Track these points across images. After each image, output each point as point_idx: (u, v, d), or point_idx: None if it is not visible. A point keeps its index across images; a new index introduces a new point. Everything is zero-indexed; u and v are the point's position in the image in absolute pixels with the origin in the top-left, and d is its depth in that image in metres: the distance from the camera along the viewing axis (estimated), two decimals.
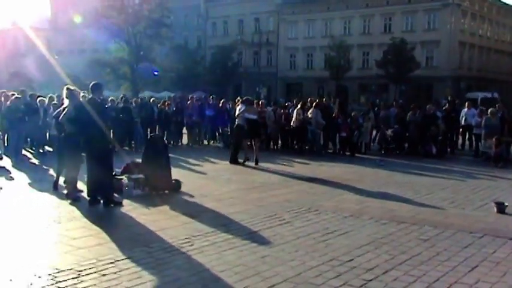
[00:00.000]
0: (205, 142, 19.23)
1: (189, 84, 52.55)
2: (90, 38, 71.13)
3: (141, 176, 9.25)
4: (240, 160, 13.48)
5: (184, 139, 19.13)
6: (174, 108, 18.52)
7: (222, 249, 6.05)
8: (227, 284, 4.97)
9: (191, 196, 9.19)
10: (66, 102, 8.63)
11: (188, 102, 18.69)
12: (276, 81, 60.96)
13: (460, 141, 18.16)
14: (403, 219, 7.60)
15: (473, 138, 17.34)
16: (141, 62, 41.15)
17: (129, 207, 8.21)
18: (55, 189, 9.36)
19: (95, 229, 6.85)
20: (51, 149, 15.51)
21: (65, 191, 9.07)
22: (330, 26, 57.86)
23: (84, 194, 8.70)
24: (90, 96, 8.43)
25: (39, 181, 10.57)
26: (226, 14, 64.95)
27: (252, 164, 13.43)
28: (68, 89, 8.76)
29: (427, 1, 51.80)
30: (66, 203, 8.40)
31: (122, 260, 5.58)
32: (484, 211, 8.36)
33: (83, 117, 8.05)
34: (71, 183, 8.70)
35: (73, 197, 8.54)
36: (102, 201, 8.27)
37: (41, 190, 9.53)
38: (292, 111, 18.19)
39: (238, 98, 18.18)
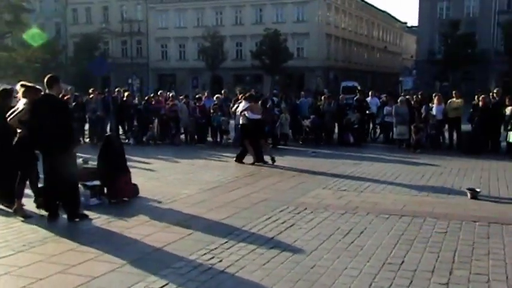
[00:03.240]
0: None
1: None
2: None
3: (97, 182, 7.99)
4: (267, 160, 12.21)
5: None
6: (74, 103, 16.68)
7: (260, 262, 5.33)
8: None
9: (158, 202, 8.16)
10: (22, 101, 6.92)
11: (91, 96, 16.95)
12: (147, 72, 58.97)
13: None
14: (399, 212, 7.45)
15: (379, 127, 18.14)
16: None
17: (100, 220, 7.02)
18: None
19: (90, 251, 5.67)
20: None
21: (2, 207, 7.58)
22: (202, 17, 57.33)
23: (30, 208, 7.31)
24: (47, 92, 6.93)
25: None
26: (88, 0, 61.17)
27: (181, 160, 12.74)
28: (23, 85, 7.06)
29: None
30: (16, 221, 6.92)
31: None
32: (457, 198, 8.53)
33: (40, 118, 6.62)
34: (20, 197, 7.19)
35: (23, 214, 7.08)
36: (65, 215, 6.95)
37: None
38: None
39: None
